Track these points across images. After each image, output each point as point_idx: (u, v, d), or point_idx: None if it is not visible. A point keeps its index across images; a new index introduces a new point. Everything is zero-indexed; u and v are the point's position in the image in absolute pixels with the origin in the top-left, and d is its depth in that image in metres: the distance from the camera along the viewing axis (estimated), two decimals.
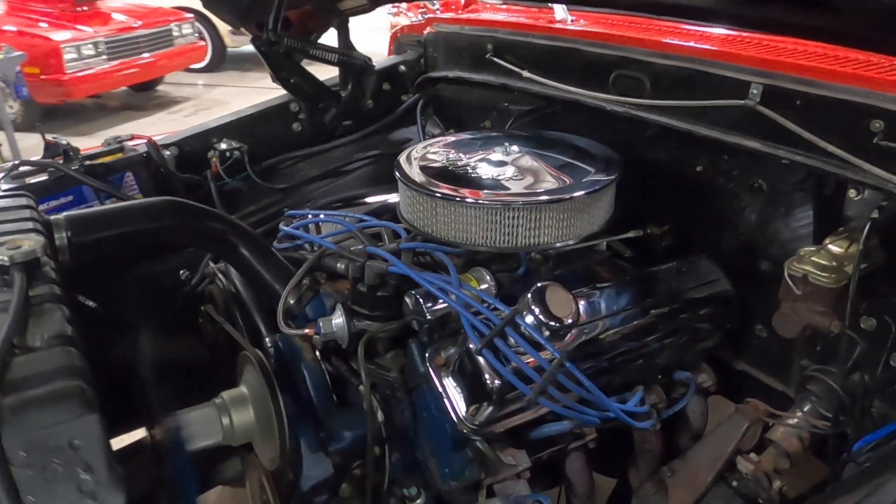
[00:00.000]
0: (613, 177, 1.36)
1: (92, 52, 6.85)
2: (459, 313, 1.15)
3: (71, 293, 1.13)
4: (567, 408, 1.11)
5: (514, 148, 1.46)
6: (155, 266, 1.78)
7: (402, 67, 2.29)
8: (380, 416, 1.25)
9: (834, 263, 1.13)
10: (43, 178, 1.63)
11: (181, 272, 1.80)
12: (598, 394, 1.12)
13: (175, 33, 7.80)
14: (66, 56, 6.62)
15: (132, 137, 1.87)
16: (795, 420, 1.29)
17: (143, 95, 8.43)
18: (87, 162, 1.67)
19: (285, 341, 1.34)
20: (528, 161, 1.45)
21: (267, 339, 1.43)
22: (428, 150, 1.53)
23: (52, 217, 1.20)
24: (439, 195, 1.31)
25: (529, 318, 1.13)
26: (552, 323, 1.11)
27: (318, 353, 1.34)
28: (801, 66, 1.24)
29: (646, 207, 1.61)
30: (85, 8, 7.30)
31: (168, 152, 1.90)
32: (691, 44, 1.42)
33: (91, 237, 1.23)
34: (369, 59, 2.13)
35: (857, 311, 1.19)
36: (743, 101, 1.29)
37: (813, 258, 1.15)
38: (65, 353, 0.75)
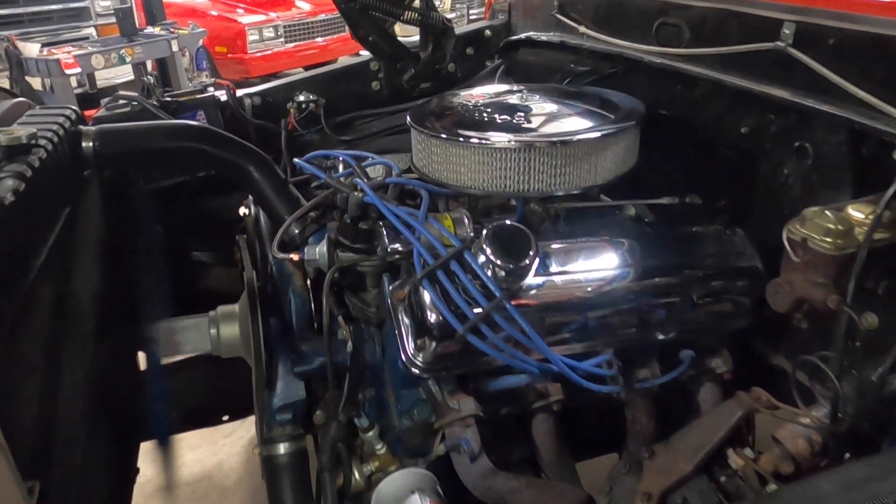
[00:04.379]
0: (621, 125, 1.25)
1: (272, 35, 7.52)
2: (413, 246, 1.12)
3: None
4: (498, 349, 1.04)
5: (532, 95, 1.39)
6: (219, 201, 1.94)
7: (488, 32, 2.26)
8: (349, 346, 1.26)
9: (840, 227, 0.94)
10: (127, 109, 1.83)
11: (241, 209, 1.93)
12: (538, 340, 1.03)
13: None
14: (250, 38, 7.34)
15: (215, 83, 2.03)
16: (800, 417, 1.10)
17: None
18: (165, 98, 1.84)
19: (279, 266, 1.39)
20: (543, 108, 1.37)
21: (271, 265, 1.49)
22: (448, 99, 1.51)
23: (84, 128, 1.35)
24: (433, 134, 1.28)
25: (482, 258, 1.08)
26: (500, 262, 1.04)
27: (308, 281, 1.38)
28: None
29: (688, 174, 1.46)
30: None
31: (250, 100, 2.05)
32: None
33: (116, 150, 1.36)
34: (449, 21, 2.13)
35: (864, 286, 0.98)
36: (773, 44, 1.12)
37: (816, 220, 0.96)
38: None
